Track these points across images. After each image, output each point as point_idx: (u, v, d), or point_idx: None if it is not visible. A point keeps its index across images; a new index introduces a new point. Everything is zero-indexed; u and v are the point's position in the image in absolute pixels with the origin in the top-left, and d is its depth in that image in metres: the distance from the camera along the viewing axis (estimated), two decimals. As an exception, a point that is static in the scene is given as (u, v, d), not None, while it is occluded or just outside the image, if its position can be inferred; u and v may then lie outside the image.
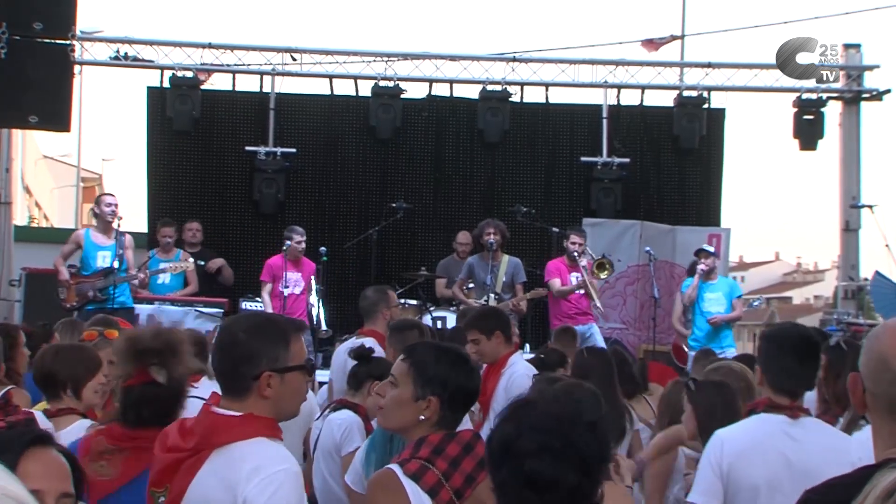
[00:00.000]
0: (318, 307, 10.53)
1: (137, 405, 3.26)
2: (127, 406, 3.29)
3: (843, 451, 3.58)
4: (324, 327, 10.51)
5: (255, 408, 2.91)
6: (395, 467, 2.99)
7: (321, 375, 7.51)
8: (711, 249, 10.86)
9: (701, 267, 10.51)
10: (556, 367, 6.13)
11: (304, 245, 10.40)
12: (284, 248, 10.30)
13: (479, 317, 6.34)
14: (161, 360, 3.23)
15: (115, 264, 9.63)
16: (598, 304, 10.60)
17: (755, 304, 11.10)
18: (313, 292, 10.53)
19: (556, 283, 10.49)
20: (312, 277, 10.53)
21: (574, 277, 10.47)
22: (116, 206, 9.89)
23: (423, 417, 3.09)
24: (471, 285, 10.56)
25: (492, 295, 10.23)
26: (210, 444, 2.82)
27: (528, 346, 10.05)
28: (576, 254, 10.44)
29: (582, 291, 10.47)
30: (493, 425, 2.32)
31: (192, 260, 10.50)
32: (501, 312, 6.68)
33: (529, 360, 6.30)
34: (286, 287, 10.15)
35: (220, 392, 2.97)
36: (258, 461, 2.79)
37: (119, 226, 9.82)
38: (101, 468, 3.20)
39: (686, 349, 10.44)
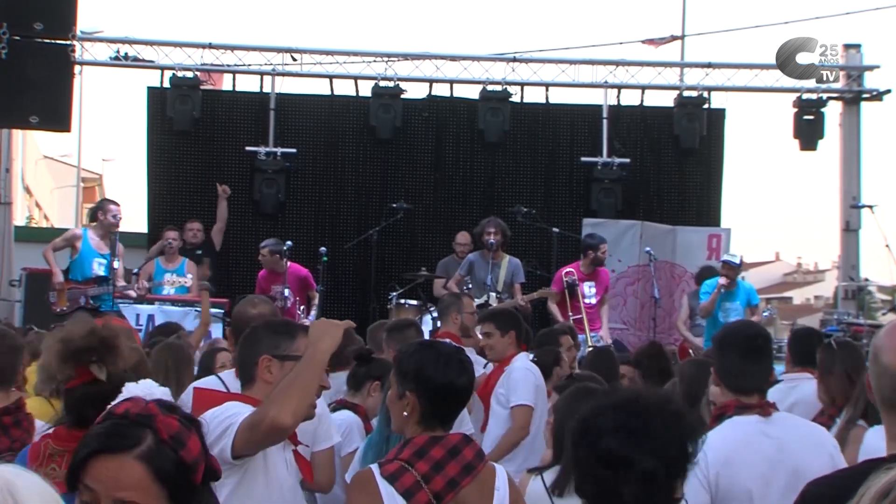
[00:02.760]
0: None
1: (79, 405, 3.22)
2: (70, 407, 3.27)
3: (820, 443, 3.66)
4: None
5: (258, 394, 3.10)
6: (374, 467, 3.01)
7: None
8: (737, 261, 10.60)
9: (722, 282, 10.31)
10: (553, 367, 6.15)
11: (271, 255, 10.37)
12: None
13: (499, 313, 6.53)
14: (99, 357, 3.20)
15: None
16: (603, 334, 10.35)
17: (766, 314, 11.05)
18: (313, 304, 10.51)
19: (554, 310, 10.46)
20: (309, 283, 10.53)
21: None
22: (121, 216, 10.02)
23: (405, 414, 3.06)
24: (470, 286, 10.53)
25: (493, 294, 10.19)
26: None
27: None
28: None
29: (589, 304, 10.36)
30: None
31: (190, 276, 10.16)
32: (519, 316, 6.77)
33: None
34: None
35: None
36: (214, 411, 3.01)
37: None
38: (52, 472, 3.16)
39: (693, 354, 10.38)
